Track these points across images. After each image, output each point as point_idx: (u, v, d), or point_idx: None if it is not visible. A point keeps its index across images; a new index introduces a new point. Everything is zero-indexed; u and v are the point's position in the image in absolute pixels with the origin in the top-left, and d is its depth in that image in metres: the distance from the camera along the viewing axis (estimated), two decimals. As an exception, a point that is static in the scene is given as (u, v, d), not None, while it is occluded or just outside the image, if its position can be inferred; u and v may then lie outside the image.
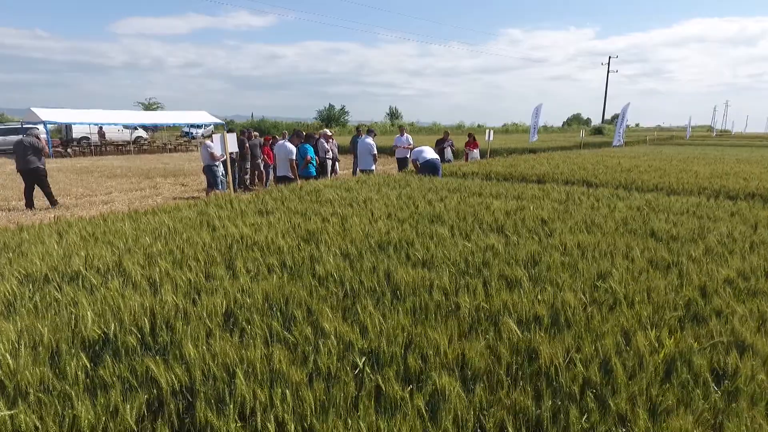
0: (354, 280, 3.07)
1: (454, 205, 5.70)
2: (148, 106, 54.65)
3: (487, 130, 14.95)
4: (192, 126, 38.29)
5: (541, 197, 6.21)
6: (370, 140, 10.09)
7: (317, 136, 11.48)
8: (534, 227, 4.51)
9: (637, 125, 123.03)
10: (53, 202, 9.98)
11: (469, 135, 13.35)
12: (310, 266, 3.43)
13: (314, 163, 8.80)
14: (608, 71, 58.03)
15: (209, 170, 9.43)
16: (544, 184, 7.42)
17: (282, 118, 63.61)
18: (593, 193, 6.36)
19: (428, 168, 9.06)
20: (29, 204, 9.74)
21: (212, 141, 9.40)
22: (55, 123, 25.14)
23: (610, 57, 58.34)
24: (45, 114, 23.92)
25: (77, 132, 29.79)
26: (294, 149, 7.83)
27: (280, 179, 7.90)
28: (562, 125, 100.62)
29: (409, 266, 3.42)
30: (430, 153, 9.28)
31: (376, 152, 9.97)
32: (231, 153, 11.33)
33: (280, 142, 8.17)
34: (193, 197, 11.07)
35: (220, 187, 9.53)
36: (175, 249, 3.82)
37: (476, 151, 13.56)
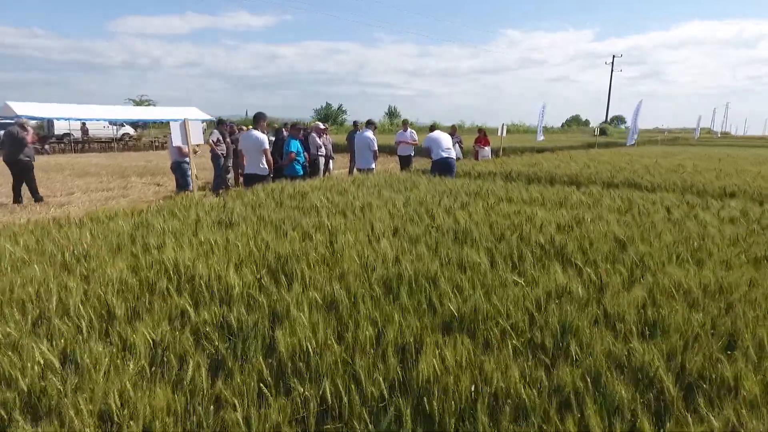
0: (341, 374, 1.63)
1: (483, 215, 4.27)
2: (140, 103, 53.03)
3: (500, 126, 13.50)
4: (183, 123, 36.64)
5: (592, 204, 4.78)
6: (369, 134, 8.58)
7: (309, 130, 10.03)
8: (611, 252, 3.07)
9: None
10: (37, 197, 9.32)
11: (480, 131, 11.92)
12: (267, 331, 1.99)
13: (301, 159, 7.35)
14: (612, 70, 56.77)
15: (178, 167, 7.97)
16: (583, 188, 5.98)
17: (282, 118, 61.88)
18: (656, 200, 4.94)
19: (441, 167, 7.62)
20: (16, 199, 9.19)
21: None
22: (31, 118, 23.59)
23: (614, 56, 57.10)
24: (21, 108, 22.38)
25: (60, 128, 28.21)
26: (265, 138, 6.34)
27: (250, 179, 6.44)
28: (561, 126, 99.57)
29: (437, 330, 2.00)
30: (446, 142, 7.78)
31: (376, 148, 8.51)
32: (219, 146, 9.87)
33: (246, 132, 6.64)
34: (164, 199, 9.61)
35: (191, 187, 8.07)
36: (56, 292, 2.37)
37: (487, 149, 12.12)
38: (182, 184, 8.06)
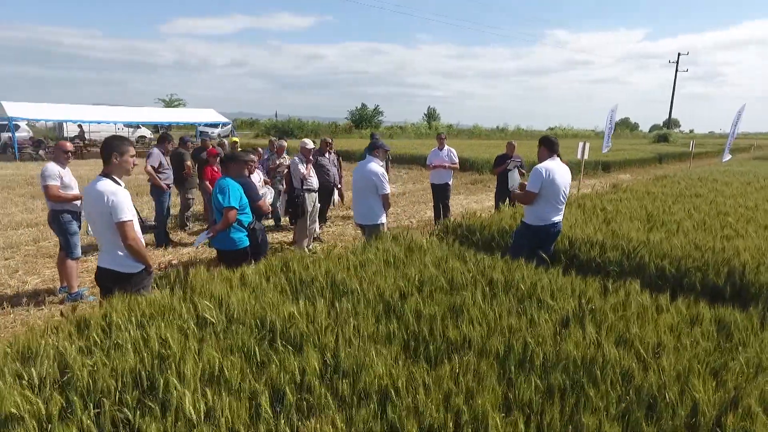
0: None
1: None
2: (169, 103, 51.55)
3: (581, 143, 9.66)
4: (207, 125, 34.36)
5: None
6: (375, 167, 4.83)
7: (274, 149, 6.65)
8: None
9: (691, 131, 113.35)
10: None
11: (551, 150, 8.29)
12: None
13: (246, 219, 4.00)
14: (677, 69, 51.00)
15: (54, 220, 4.79)
16: None
17: (319, 118, 59.29)
18: None
19: (542, 238, 4.25)
20: None
21: (54, 165, 4.77)
22: (24, 119, 21.46)
23: (679, 54, 51.26)
24: (13, 109, 20.20)
25: (72, 131, 26.05)
26: (123, 198, 2.86)
27: (107, 279, 3.01)
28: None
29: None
30: (565, 188, 4.31)
31: (388, 190, 5.01)
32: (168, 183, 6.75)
33: (91, 184, 3.09)
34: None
35: (77, 253, 4.87)
36: None
37: (562, 177, 8.42)
38: (64, 246, 4.87)
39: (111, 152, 2.89)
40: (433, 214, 9.02)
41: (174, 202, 8.37)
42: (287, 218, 7.90)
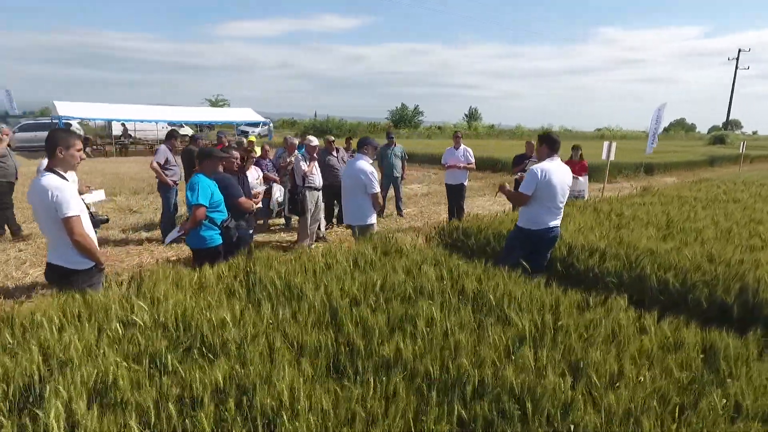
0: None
1: None
2: (215, 103, 53.11)
3: (606, 143, 9.05)
4: (248, 125, 35.09)
5: None
6: (363, 164, 4.56)
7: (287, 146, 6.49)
8: None
9: (755, 133, 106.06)
10: (14, 230, 6.92)
11: (575, 148, 7.72)
12: None
13: (219, 216, 3.88)
14: (737, 66, 47.92)
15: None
16: None
17: (360, 118, 59.46)
18: None
19: (536, 242, 3.97)
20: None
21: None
22: (74, 118, 22.54)
23: (739, 50, 48.21)
24: (64, 108, 21.26)
25: (118, 130, 27.32)
26: (69, 194, 2.74)
27: (55, 275, 2.95)
28: (665, 131, 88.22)
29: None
30: (563, 189, 3.98)
31: (377, 189, 4.89)
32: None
33: (35, 180, 2.96)
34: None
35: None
36: None
37: (584, 180, 7.85)
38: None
39: (56, 146, 2.81)
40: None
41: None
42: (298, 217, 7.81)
